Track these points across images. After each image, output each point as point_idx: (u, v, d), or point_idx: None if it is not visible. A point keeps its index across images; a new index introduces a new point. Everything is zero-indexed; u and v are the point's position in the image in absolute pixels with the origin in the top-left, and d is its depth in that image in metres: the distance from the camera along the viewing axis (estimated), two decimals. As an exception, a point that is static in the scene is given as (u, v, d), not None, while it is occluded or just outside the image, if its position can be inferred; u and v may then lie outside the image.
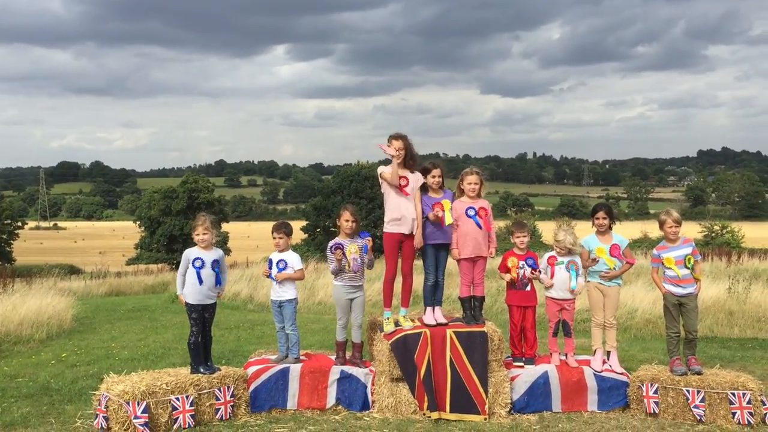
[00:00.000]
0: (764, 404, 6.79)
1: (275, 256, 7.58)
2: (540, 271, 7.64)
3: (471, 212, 7.41)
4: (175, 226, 57.18)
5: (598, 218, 7.59)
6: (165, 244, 57.08)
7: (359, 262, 7.43)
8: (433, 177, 7.43)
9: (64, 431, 6.46)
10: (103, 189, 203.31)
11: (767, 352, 10.61)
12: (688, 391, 6.92)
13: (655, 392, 7.07)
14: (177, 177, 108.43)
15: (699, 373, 7.08)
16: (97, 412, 6.46)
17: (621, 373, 7.45)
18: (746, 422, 6.64)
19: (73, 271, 41.18)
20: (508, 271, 7.67)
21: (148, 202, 63.21)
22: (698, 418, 6.81)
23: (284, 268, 7.51)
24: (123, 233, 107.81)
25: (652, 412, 7.05)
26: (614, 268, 7.48)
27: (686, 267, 7.27)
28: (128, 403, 6.27)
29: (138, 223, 65.09)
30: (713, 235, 51.63)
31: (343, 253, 7.33)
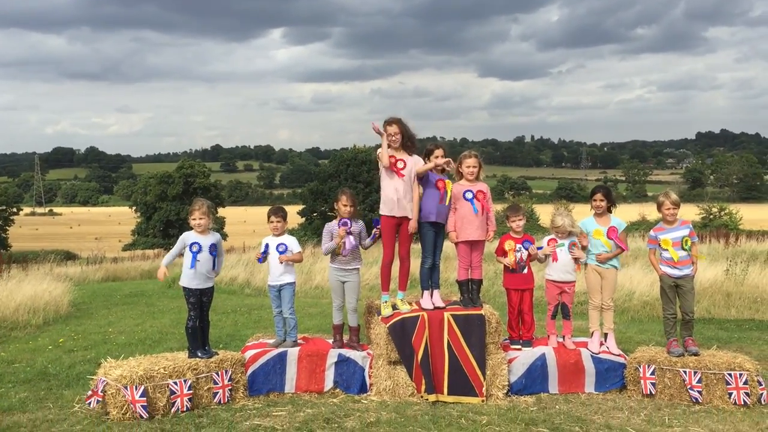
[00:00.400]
0: (760, 384, 6.81)
1: (273, 240, 7.57)
2: (539, 248, 7.63)
3: (469, 195, 7.39)
4: (172, 211, 57.21)
5: (595, 200, 7.58)
6: (161, 229, 57.16)
7: (353, 244, 7.42)
8: (436, 157, 7.40)
9: (62, 416, 6.45)
10: (98, 175, 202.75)
11: (764, 333, 10.65)
12: (684, 372, 6.93)
13: (652, 373, 7.09)
14: (173, 162, 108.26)
15: (696, 354, 7.10)
16: (95, 397, 6.46)
17: (618, 355, 7.46)
18: (742, 402, 6.67)
19: (69, 256, 41.16)
20: (505, 254, 7.66)
21: (143, 187, 63.24)
22: (695, 399, 6.83)
23: (284, 252, 7.51)
24: (119, 219, 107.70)
25: (648, 393, 7.07)
26: (611, 250, 7.48)
27: (683, 249, 7.27)
28: (126, 388, 6.27)
29: (134, 208, 65.13)
30: (711, 217, 51.65)
31: (349, 232, 7.31)
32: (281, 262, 7.50)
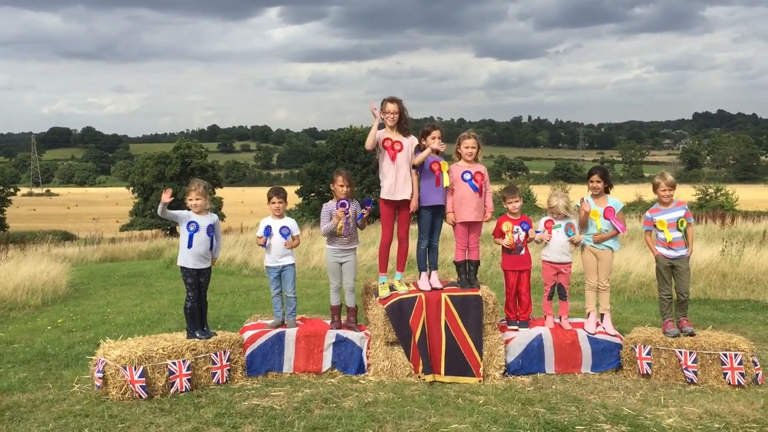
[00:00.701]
0: (755, 365, 6.86)
1: (276, 223, 7.56)
2: (537, 232, 7.67)
3: (467, 176, 7.38)
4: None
5: (592, 181, 7.58)
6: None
7: (351, 227, 7.43)
8: (433, 139, 7.38)
9: (61, 396, 6.49)
10: (95, 155, 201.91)
11: (759, 314, 10.71)
12: (680, 352, 6.98)
13: (648, 354, 7.14)
14: (169, 142, 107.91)
15: (692, 335, 7.15)
16: (95, 377, 6.50)
17: (614, 335, 7.51)
18: (737, 383, 6.72)
19: (66, 237, 41.12)
20: (502, 236, 7.68)
21: (141, 168, 63.08)
22: (690, 379, 6.88)
23: (288, 235, 7.52)
24: (116, 199, 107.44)
25: (644, 373, 7.12)
26: (607, 231, 7.50)
27: (678, 230, 7.29)
28: (125, 368, 6.30)
29: (131, 189, 64.96)
30: (707, 197, 51.75)
31: (346, 212, 7.32)
32: (290, 248, 7.53)
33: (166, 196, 6.83)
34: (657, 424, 5.70)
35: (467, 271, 7.54)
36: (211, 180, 58.61)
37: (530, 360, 7.34)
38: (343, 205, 7.34)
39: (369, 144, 7.26)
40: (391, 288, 7.43)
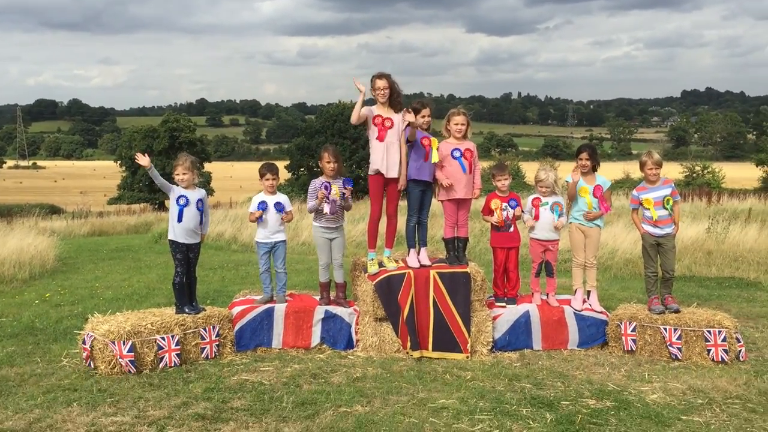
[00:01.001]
0: (739, 342, 6.95)
1: (270, 199, 7.55)
2: (524, 212, 7.70)
3: (457, 153, 7.38)
4: (157, 166, 56.14)
5: (581, 159, 7.59)
6: (147, 184, 56.74)
7: (337, 205, 7.43)
8: (423, 117, 7.36)
9: (50, 370, 6.50)
10: (82, 128, 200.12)
11: (743, 291, 10.84)
12: (665, 329, 7.06)
13: (633, 330, 7.21)
14: (157, 116, 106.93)
15: (677, 312, 7.22)
16: (83, 351, 6.51)
17: (600, 312, 7.58)
18: (720, 359, 6.81)
19: (54, 210, 40.81)
20: (491, 213, 7.70)
21: (128, 141, 62.56)
22: (674, 355, 6.97)
23: (282, 210, 7.53)
24: (104, 173, 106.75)
25: (629, 349, 7.21)
26: (595, 209, 7.53)
27: (664, 208, 7.33)
28: (114, 343, 6.31)
29: (119, 162, 64.50)
30: (694, 175, 52.07)
31: (328, 195, 7.31)
32: (287, 222, 7.59)
33: (142, 160, 6.89)
34: (641, 399, 5.79)
35: (456, 248, 7.57)
36: (199, 154, 58.29)
37: (517, 336, 7.40)
38: (326, 187, 7.32)
39: (354, 118, 7.23)
40: (380, 264, 7.46)
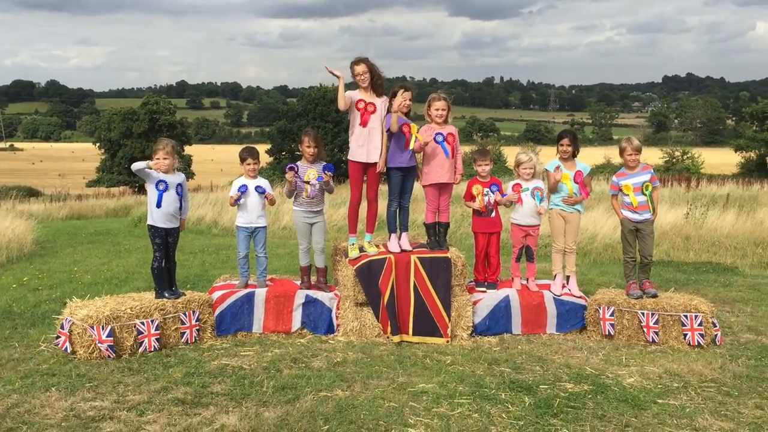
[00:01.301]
0: (715, 326, 7.05)
1: (251, 182, 7.50)
2: (503, 195, 7.71)
3: (439, 138, 7.35)
4: (137, 148, 56.19)
5: (562, 145, 7.62)
6: (126, 166, 56.14)
7: (317, 188, 7.40)
8: (404, 101, 7.32)
9: (28, 355, 6.45)
10: (60, 109, 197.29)
11: (720, 276, 10.97)
12: (642, 313, 7.14)
13: (612, 315, 7.29)
14: (137, 98, 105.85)
15: (654, 296, 7.30)
16: (60, 335, 6.46)
17: (579, 297, 7.64)
18: (696, 343, 6.90)
19: (31, 193, 40.37)
20: (473, 199, 7.71)
21: (107, 123, 61.79)
22: (650, 339, 7.05)
23: (263, 192, 7.50)
24: (83, 155, 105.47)
25: (607, 333, 7.28)
26: (576, 194, 7.58)
27: (644, 194, 7.39)
28: (93, 328, 6.27)
29: (98, 145, 63.76)
30: (674, 161, 52.48)
31: (296, 175, 7.28)
32: (270, 204, 7.61)
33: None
34: (618, 383, 5.86)
35: (437, 233, 7.58)
36: (180, 137, 57.80)
37: (497, 321, 7.45)
38: (291, 168, 7.30)
39: (341, 104, 7.18)
40: (361, 249, 7.46)
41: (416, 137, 7.19)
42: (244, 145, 7.91)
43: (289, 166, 7.36)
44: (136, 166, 6.79)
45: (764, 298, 9.20)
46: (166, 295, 6.97)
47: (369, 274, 7.18)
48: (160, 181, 6.90)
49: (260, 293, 7.35)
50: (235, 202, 7.51)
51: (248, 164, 7.50)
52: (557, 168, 7.57)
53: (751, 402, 5.45)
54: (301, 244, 7.64)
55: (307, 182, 7.35)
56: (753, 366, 6.33)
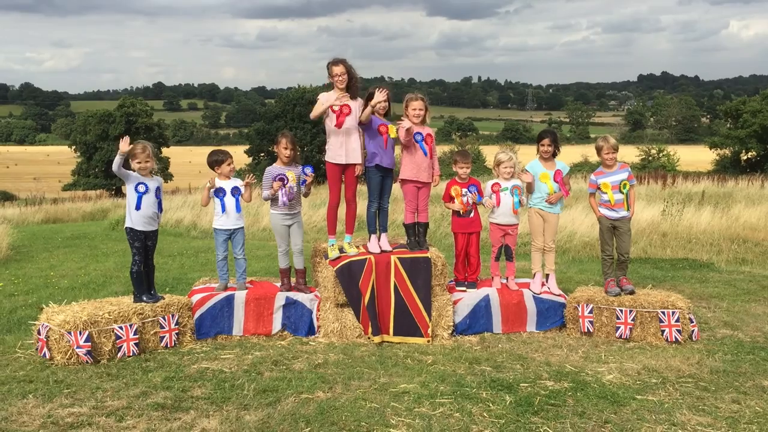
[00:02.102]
0: (692, 322, 7.14)
1: (227, 184, 7.45)
2: (479, 198, 7.75)
3: (419, 137, 7.36)
4: (113, 151, 55.67)
5: (543, 145, 7.66)
6: (103, 170, 55.68)
7: (294, 191, 7.37)
8: (381, 101, 7.31)
9: (4, 361, 6.36)
10: (34, 112, 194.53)
11: (696, 272, 11.10)
12: (620, 311, 7.21)
13: (590, 312, 7.35)
14: (113, 100, 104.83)
15: (632, 293, 7.38)
16: (39, 342, 6.38)
17: (558, 295, 7.70)
18: (674, 339, 6.98)
19: (6, 197, 39.91)
20: (452, 200, 7.74)
21: (83, 126, 61.16)
22: (626, 336, 7.12)
23: (239, 194, 7.46)
24: (58, 158, 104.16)
25: (586, 331, 7.34)
26: (556, 192, 7.64)
27: (621, 192, 7.47)
28: (70, 333, 6.20)
29: (74, 148, 63.07)
30: (650, 158, 53.06)
31: (283, 185, 7.25)
32: (246, 201, 7.53)
33: (125, 144, 6.60)
34: (598, 380, 5.91)
35: (416, 233, 7.60)
36: (157, 139, 57.36)
37: (477, 320, 7.48)
38: (281, 179, 7.26)
39: (317, 110, 7.19)
40: (341, 250, 7.45)
41: (395, 132, 7.22)
42: (211, 150, 7.78)
43: (278, 176, 7.30)
44: (116, 164, 6.71)
45: (740, 294, 9.33)
46: (145, 298, 6.91)
47: (349, 274, 7.17)
48: (140, 183, 6.84)
49: (240, 296, 7.32)
50: (214, 195, 7.45)
51: (228, 165, 7.46)
52: (524, 171, 7.66)
53: (728, 396, 5.52)
54: (280, 247, 7.61)
55: (284, 183, 7.31)
56: (729, 361, 6.41)
